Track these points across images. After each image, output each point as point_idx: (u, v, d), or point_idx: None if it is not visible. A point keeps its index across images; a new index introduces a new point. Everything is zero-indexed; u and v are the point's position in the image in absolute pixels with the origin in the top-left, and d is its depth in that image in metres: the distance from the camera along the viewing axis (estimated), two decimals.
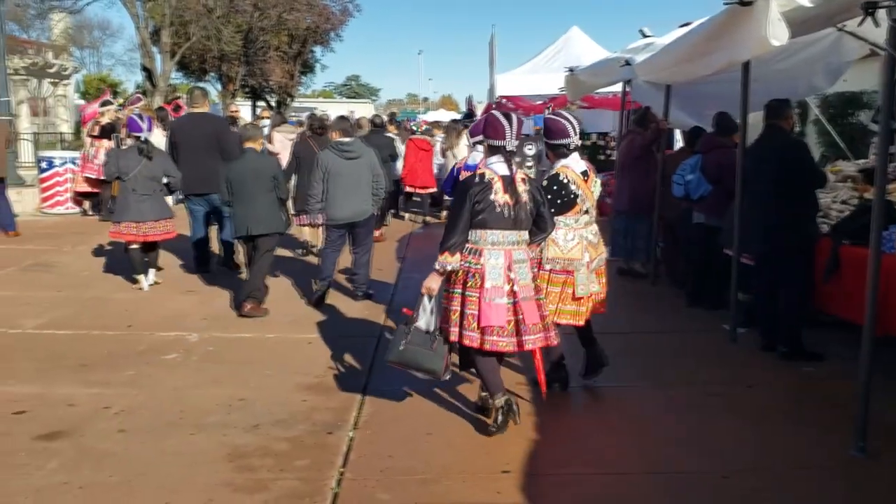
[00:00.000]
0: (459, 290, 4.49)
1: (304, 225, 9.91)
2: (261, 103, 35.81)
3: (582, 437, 4.58)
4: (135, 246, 7.94)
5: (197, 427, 4.61)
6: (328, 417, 4.79)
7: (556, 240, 4.98)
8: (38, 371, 5.58)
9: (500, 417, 4.48)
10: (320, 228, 9.41)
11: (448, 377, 4.74)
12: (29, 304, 7.42)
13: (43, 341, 6.28)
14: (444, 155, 13.42)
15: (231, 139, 8.37)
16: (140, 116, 8.24)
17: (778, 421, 4.80)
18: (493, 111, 4.81)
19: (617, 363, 5.94)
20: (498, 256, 4.42)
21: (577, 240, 5.03)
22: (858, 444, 4.26)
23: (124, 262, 8.96)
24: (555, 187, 4.99)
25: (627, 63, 7.92)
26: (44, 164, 13.71)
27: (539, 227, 4.63)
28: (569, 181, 4.99)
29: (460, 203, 4.46)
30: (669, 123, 8.35)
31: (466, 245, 4.46)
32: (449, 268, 4.43)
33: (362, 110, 49.44)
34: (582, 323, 5.16)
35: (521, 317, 4.42)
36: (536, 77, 15.46)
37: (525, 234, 4.56)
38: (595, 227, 5.20)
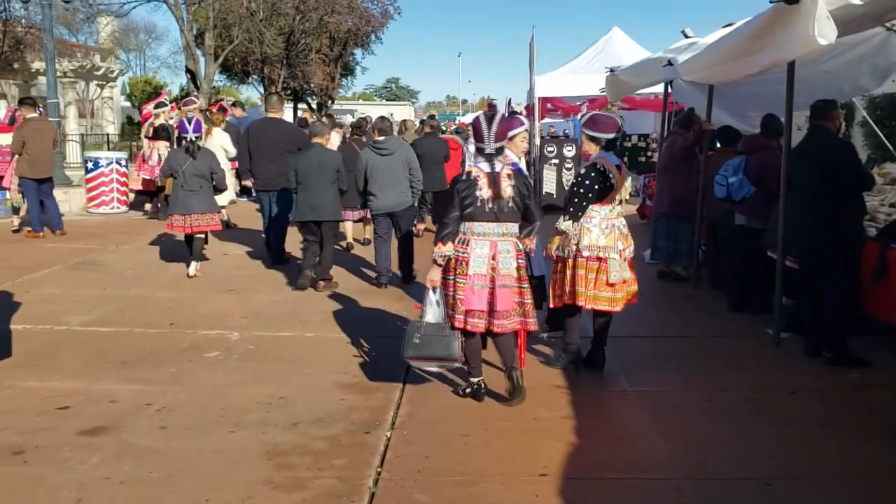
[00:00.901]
0: (452, 277, 4.90)
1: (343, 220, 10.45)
2: (302, 105, 36.11)
3: (621, 441, 4.52)
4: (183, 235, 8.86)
5: (237, 425, 4.65)
6: (366, 417, 4.80)
7: (591, 229, 5.34)
8: (82, 367, 5.67)
9: (469, 391, 5.12)
10: (356, 224, 10.82)
11: (459, 364, 5.01)
12: (75, 301, 7.56)
13: (87, 338, 6.39)
14: None
15: (305, 141, 9.06)
16: (189, 119, 8.98)
17: (821, 428, 4.70)
18: (479, 115, 5.10)
19: (658, 367, 5.91)
20: (483, 246, 4.82)
21: (611, 229, 5.36)
22: None
23: (167, 261, 9.24)
24: (593, 174, 5.35)
25: (670, 63, 7.83)
26: (90, 165, 13.96)
27: (527, 220, 4.97)
28: (606, 170, 5.34)
29: (451, 198, 4.90)
30: (712, 125, 8.23)
31: (458, 236, 4.87)
32: (443, 257, 4.84)
33: (401, 112, 49.66)
34: (618, 309, 5.47)
35: (494, 302, 4.80)
36: (577, 78, 15.35)
37: (511, 227, 4.89)
38: (624, 220, 5.52)
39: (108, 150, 21.12)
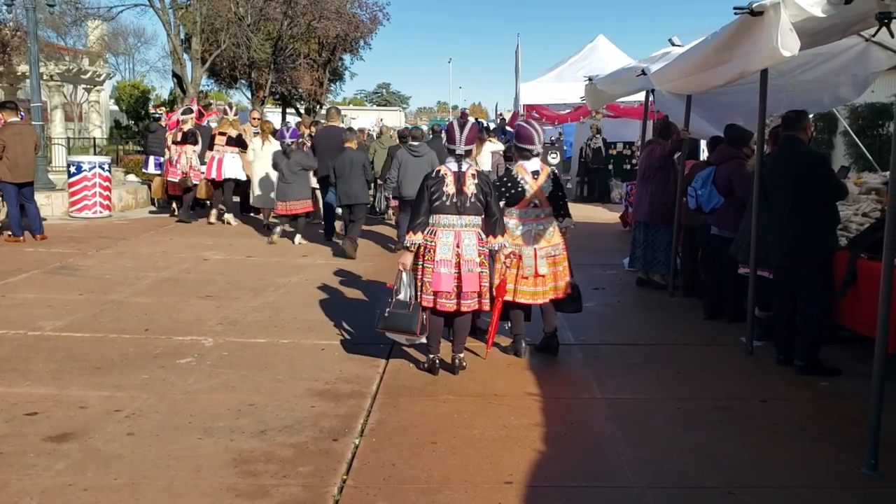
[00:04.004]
0: (421, 263, 5.58)
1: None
2: (290, 110, 36.06)
3: (588, 449, 4.54)
4: (278, 218, 11.70)
5: (205, 431, 4.64)
6: (335, 424, 4.79)
7: (509, 227, 5.96)
8: (53, 373, 5.65)
9: (427, 365, 5.80)
10: None
11: (424, 340, 5.67)
12: (50, 306, 7.52)
13: (61, 343, 6.36)
14: None
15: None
16: (287, 128, 12.20)
17: (790, 436, 4.73)
18: (454, 121, 5.81)
19: (630, 375, 5.93)
20: (448, 236, 5.52)
21: (525, 229, 6.02)
22: (870, 462, 4.18)
23: (146, 266, 9.47)
24: (508, 182, 6.06)
25: (644, 73, 7.87)
26: (72, 169, 13.90)
27: (488, 215, 5.65)
28: (520, 178, 6.03)
29: (420, 193, 5.62)
30: (690, 133, 8.27)
31: (428, 227, 5.56)
32: (413, 244, 5.53)
33: (392, 118, 49.64)
34: (541, 302, 6.09)
35: (461, 285, 5.50)
36: (562, 85, 15.46)
37: (473, 219, 5.58)
38: (551, 222, 6.11)
39: (95, 154, 20.98)
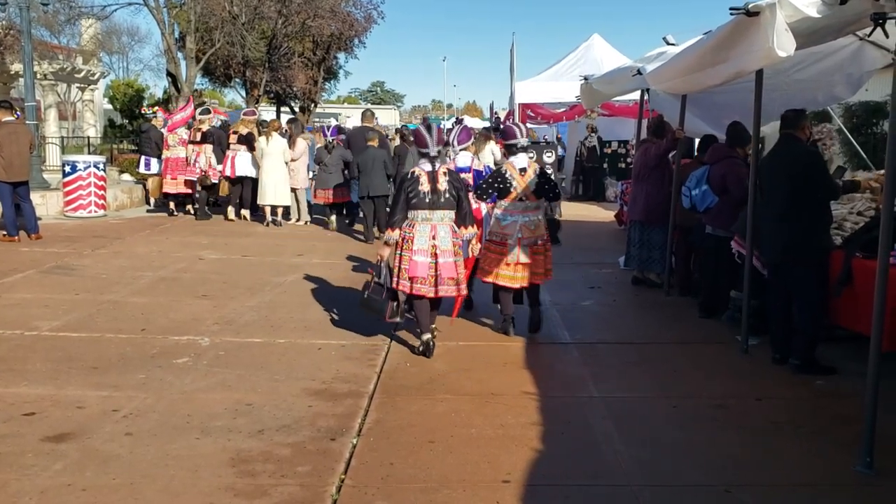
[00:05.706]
0: (399, 252, 6.09)
1: None
2: (284, 108, 36.00)
3: (585, 448, 4.55)
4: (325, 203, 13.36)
5: (203, 431, 4.64)
6: (332, 424, 4.80)
7: (497, 217, 6.66)
8: (50, 373, 5.64)
9: (422, 348, 6.19)
10: None
11: (398, 320, 6.33)
12: (47, 306, 7.51)
13: (58, 343, 6.35)
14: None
15: (385, 144, 13.20)
16: (328, 127, 14.01)
17: (785, 435, 4.75)
18: (420, 126, 6.44)
19: (626, 374, 5.95)
20: (425, 228, 6.05)
21: (511, 220, 6.61)
22: (865, 460, 4.20)
23: (142, 266, 9.43)
24: (498, 178, 6.68)
25: (639, 72, 7.88)
26: (67, 168, 13.85)
27: (459, 208, 6.16)
28: (508, 174, 6.64)
29: (398, 193, 6.23)
30: (685, 132, 8.29)
31: (406, 221, 6.07)
32: (393, 239, 6.09)
33: (386, 116, 49.57)
34: (517, 286, 6.67)
35: (438, 273, 6.01)
36: (557, 85, 15.48)
37: (447, 213, 6.10)
38: (537, 215, 6.69)
39: (89, 153, 20.91)
